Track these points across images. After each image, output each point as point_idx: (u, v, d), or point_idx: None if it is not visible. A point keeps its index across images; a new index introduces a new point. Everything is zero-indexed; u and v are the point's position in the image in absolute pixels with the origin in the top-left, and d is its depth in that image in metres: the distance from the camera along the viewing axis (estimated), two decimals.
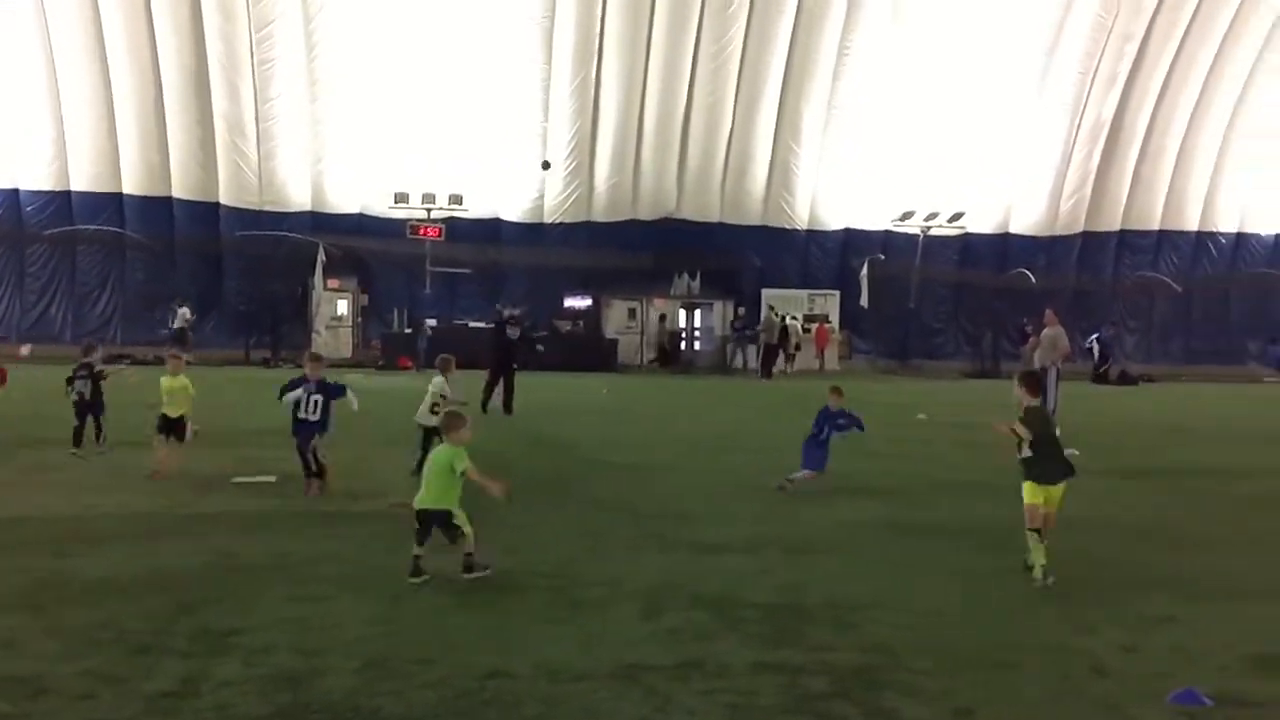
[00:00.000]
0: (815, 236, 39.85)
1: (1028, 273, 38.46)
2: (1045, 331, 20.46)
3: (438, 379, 12.31)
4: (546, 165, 35.69)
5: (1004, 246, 40.54)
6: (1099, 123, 39.38)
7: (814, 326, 38.49)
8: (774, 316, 35.76)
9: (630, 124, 37.48)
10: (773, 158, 38.52)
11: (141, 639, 6.16)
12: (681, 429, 18.66)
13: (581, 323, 36.81)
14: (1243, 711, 5.38)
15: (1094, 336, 36.15)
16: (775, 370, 34.78)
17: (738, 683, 5.65)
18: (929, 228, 39.29)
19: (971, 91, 38.11)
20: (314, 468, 10.85)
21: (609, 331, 37.08)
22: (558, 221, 37.91)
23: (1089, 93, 38.85)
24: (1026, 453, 8.04)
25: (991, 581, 8.06)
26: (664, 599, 7.26)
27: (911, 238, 39.63)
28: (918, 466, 13.61)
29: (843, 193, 39.28)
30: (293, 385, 10.81)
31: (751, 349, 35.83)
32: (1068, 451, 15.97)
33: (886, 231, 39.89)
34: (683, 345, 38.12)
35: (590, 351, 34.62)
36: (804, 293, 39.03)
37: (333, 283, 35.46)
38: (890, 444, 17.12)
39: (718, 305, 38.33)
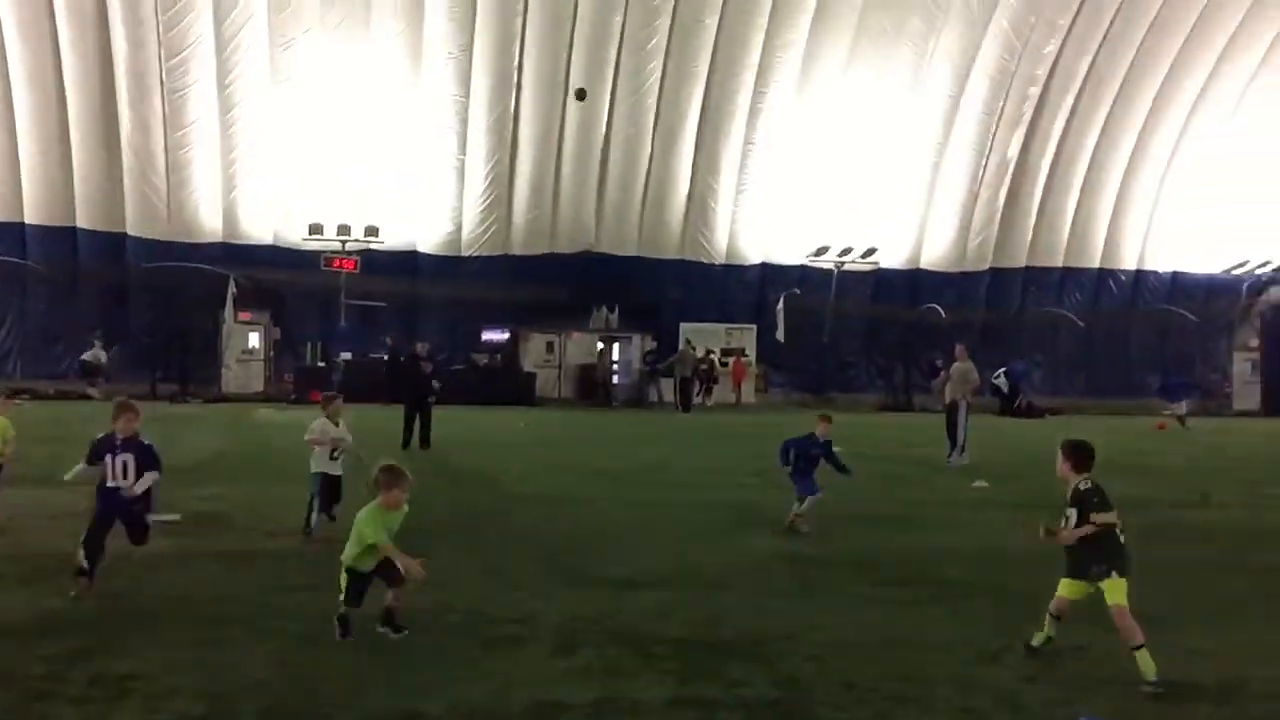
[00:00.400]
0: (733, 270, 40.26)
1: (938, 308, 39.29)
2: (955, 365, 20.90)
3: (317, 421, 10.74)
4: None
5: (915, 282, 41.36)
6: (1004, 162, 40.52)
7: (731, 360, 38.84)
8: (690, 350, 35.97)
9: (549, 157, 37.59)
10: (690, 192, 38.91)
11: (37, 685, 5.93)
12: (599, 463, 18.63)
13: (499, 356, 36.63)
14: None
15: (1001, 370, 36.98)
16: (695, 402, 35.02)
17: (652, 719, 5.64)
18: (843, 263, 39.97)
19: (883, 131, 39.00)
20: (88, 565, 7.91)
21: (527, 365, 36.96)
22: (475, 254, 37.78)
23: (994, 134, 39.98)
24: (1072, 541, 6.59)
25: (902, 613, 8.16)
26: (579, 636, 7.21)
27: (826, 273, 40.27)
28: (830, 498, 13.73)
29: (760, 227, 39.81)
30: (98, 450, 8.18)
31: (666, 382, 35.94)
32: (976, 484, 16.33)
33: (802, 266, 40.48)
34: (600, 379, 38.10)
35: (508, 385, 34.46)
36: (722, 326, 39.36)
37: (244, 315, 34.80)
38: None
39: (636, 339, 38.45)
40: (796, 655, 6.84)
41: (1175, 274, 43.54)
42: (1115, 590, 6.30)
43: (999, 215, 41.25)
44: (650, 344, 37.71)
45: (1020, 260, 42.13)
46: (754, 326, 39.57)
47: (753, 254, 40.27)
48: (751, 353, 39.53)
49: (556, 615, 7.72)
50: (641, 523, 12.14)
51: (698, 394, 36.51)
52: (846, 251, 39.60)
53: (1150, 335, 43.86)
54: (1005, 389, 36.92)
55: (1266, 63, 40.59)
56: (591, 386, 36.70)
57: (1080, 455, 6.74)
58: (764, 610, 8.08)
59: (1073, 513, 6.50)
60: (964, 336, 26.52)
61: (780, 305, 38.48)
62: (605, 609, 7.97)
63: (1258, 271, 43.28)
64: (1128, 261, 43.17)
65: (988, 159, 40.30)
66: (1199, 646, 7.38)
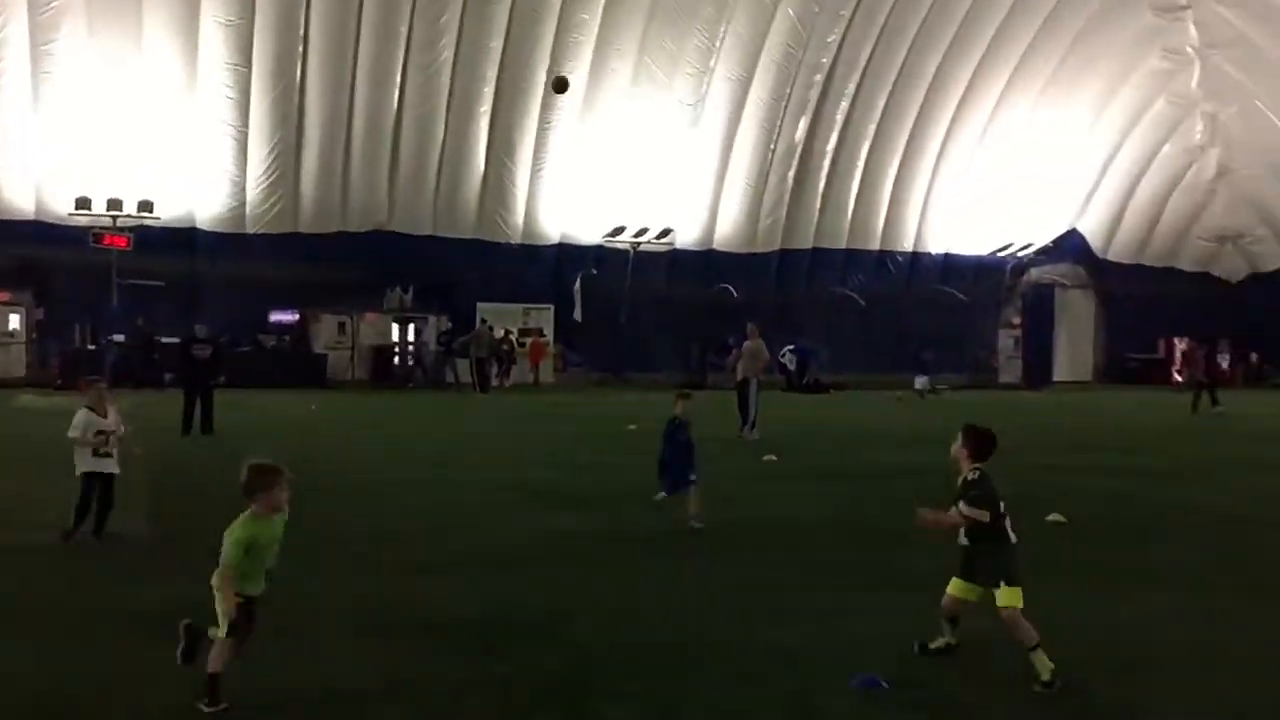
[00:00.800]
0: (529, 250, 40.11)
1: (730, 288, 40.31)
2: (746, 344, 21.53)
3: (79, 413, 9.38)
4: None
5: (709, 262, 42.27)
6: (792, 147, 41.87)
7: (529, 340, 38.79)
8: (486, 329, 35.71)
9: (338, 133, 36.46)
10: (486, 170, 38.51)
11: None
12: (393, 446, 18.28)
13: (288, 338, 35.37)
14: (917, 693, 5.81)
15: (788, 348, 38.32)
16: (493, 383, 34.83)
17: (446, 701, 5.60)
18: (639, 243, 40.48)
19: (676, 113, 39.57)
20: None
21: (318, 347, 35.85)
22: (260, 232, 36.27)
23: (782, 119, 41.21)
24: (963, 539, 6.19)
25: (691, 582, 8.36)
26: (371, 621, 7.07)
27: (623, 253, 40.68)
28: (625, 476, 13.94)
29: (557, 207, 39.79)
30: None
31: (463, 363, 35.55)
32: (766, 457, 16.85)
33: (599, 246, 40.74)
34: (395, 360, 37.40)
35: (297, 367, 33.37)
36: (519, 306, 39.23)
37: (2, 295, 32.35)
38: (600, 454, 17.49)
39: (432, 319, 37.86)
40: (588, 629, 6.93)
41: (947, 255, 46.05)
42: (1006, 596, 5.89)
43: (787, 198, 42.60)
44: (446, 324, 37.21)
45: (808, 242, 43.66)
46: (551, 306, 39.61)
47: (550, 233, 40.24)
48: (549, 333, 39.58)
49: (347, 601, 7.56)
50: (436, 506, 12.00)
51: (495, 375, 36.31)
52: (642, 232, 40.13)
53: (925, 313, 46.31)
54: (793, 366, 38.33)
55: (1031, 52, 43.09)
56: (386, 368, 35.97)
57: (980, 441, 6.24)
58: (557, 587, 8.13)
59: (961, 504, 6.06)
60: (755, 316, 27.29)
61: (577, 285, 38.67)
62: (398, 593, 7.84)
63: (1020, 253, 46.34)
64: (905, 243, 45.38)
65: (776, 143, 41.53)
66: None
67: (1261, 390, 44.09)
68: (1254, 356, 49.35)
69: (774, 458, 16.35)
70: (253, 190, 35.88)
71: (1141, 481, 14.28)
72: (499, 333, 37.04)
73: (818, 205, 43.22)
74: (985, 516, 5.92)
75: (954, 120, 43.39)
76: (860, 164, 43.19)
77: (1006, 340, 46.62)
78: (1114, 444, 20.37)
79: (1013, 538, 6.04)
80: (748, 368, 20.94)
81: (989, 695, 5.82)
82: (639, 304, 41.25)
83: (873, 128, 42.68)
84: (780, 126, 41.34)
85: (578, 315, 38.83)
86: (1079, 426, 25.06)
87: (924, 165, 43.91)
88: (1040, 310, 47.05)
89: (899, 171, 43.76)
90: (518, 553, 9.39)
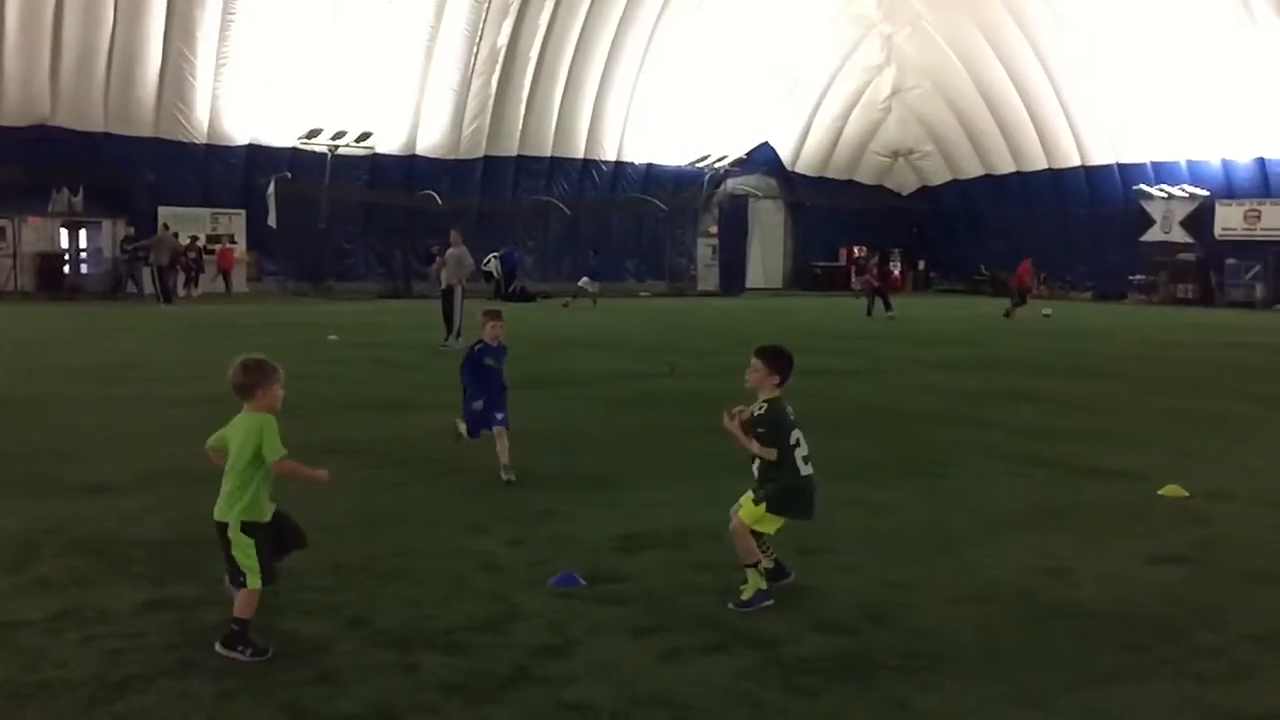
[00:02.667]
0: (216, 152, 37.49)
1: (434, 194, 39.51)
2: (450, 252, 21.26)
3: None
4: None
5: (412, 168, 41.14)
6: (495, 51, 41.11)
7: (218, 247, 36.61)
8: (169, 234, 33.35)
9: None
10: (164, 64, 35.49)
11: None
12: (63, 361, 16.84)
13: None
14: (611, 587, 6.03)
15: (493, 255, 38.18)
16: (179, 293, 32.72)
17: (121, 626, 5.27)
18: (337, 147, 38.74)
19: (375, 11, 37.86)
20: None
21: None
22: None
23: (484, 22, 40.29)
24: (755, 469, 5.84)
25: (394, 493, 8.26)
26: (39, 547, 6.57)
27: (320, 156, 38.82)
28: (324, 389, 13.52)
29: (245, 106, 37.29)
30: None
31: (147, 272, 33.12)
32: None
33: (294, 149, 38.66)
34: (67, 268, 34.32)
35: None
36: (206, 211, 36.84)
37: None
38: (302, 365, 16.85)
39: (106, 224, 34.90)
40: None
41: (649, 165, 46.99)
42: (747, 509, 5.71)
43: (491, 104, 41.94)
44: (127, 229, 34.40)
45: (513, 149, 43.26)
46: (243, 211, 37.45)
47: (238, 134, 37.76)
48: (241, 239, 37.49)
49: (13, 526, 6.98)
50: (113, 424, 11.20)
51: (182, 284, 34.13)
52: (340, 135, 38.40)
53: (629, 222, 47.27)
54: (498, 274, 38.25)
55: None
56: (55, 277, 32.95)
57: (776, 362, 5.83)
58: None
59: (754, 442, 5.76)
60: (459, 223, 26.96)
61: (271, 189, 36.61)
62: (70, 516, 7.30)
63: (717, 165, 47.99)
64: (608, 153, 45.87)
65: (479, 47, 40.65)
66: (659, 499, 8.22)
67: (928, 295, 48.25)
68: (921, 264, 53.78)
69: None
70: None
71: (823, 381, 15.29)
72: (184, 239, 34.68)
73: (522, 112, 42.81)
74: (773, 455, 5.66)
75: (654, 30, 43.87)
76: (564, 71, 43.01)
77: (704, 249, 48.41)
78: (800, 346, 21.66)
79: (802, 470, 5.73)
80: (452, 275, 20.72)
81: (684, 585, 6.11)
82: (339, 210, 39.68)
83: (576, 34, 42.51)
84: (483, 30, 40.44)
85: (272, 221, 36.84)
86: (769, 330, 26.52)
87: (625, 74, 44.29)
88: (735, 220, 49.04)
89: (601, 80, 43.96)
90: (206, 469, 8.89)
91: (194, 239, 35.55)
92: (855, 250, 49.76)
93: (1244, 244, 42.60)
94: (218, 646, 4.91)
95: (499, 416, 8.71)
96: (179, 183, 36.31)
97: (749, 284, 48.05)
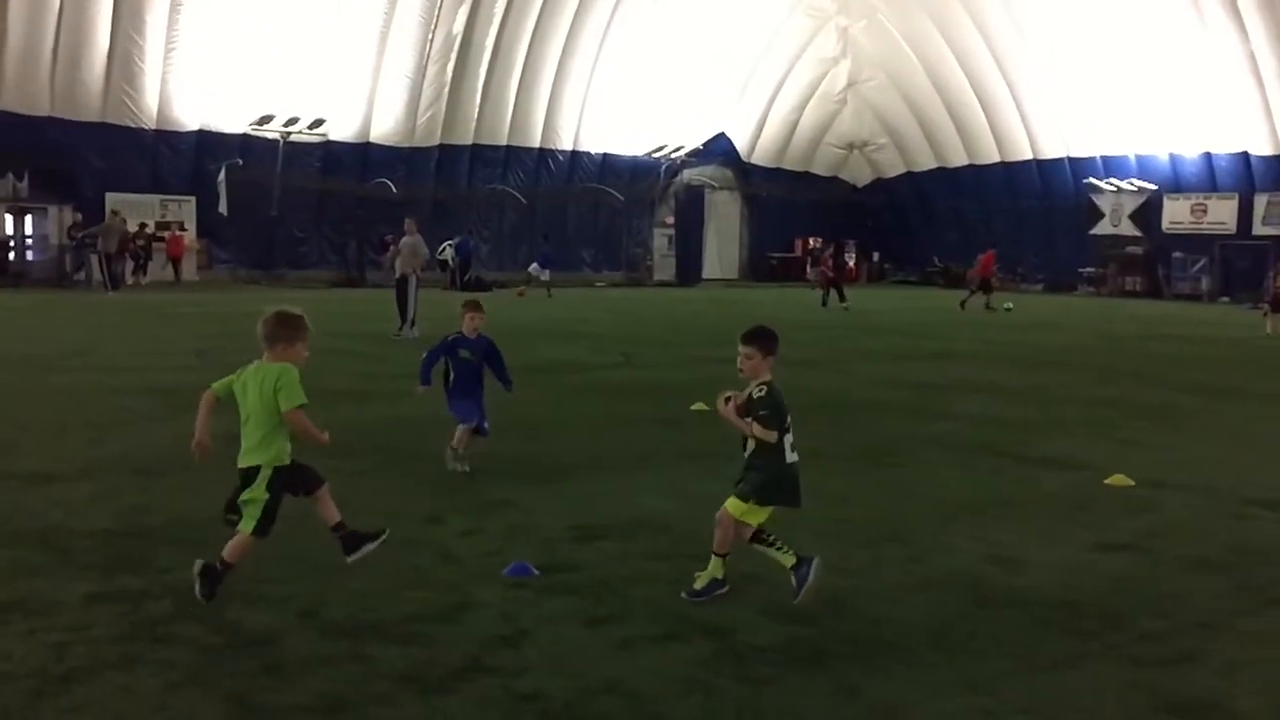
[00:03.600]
0: (165, 137, 36.92)
1: (389, 183, 39.19)
2: (405, 240, 21.12)
3: None
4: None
5: (365, 156, 40.78)
6: (450, 38, 40.80)
7: (168, 234, 36.10)
8: (117, 221, 32.82)
9: None
10: (112, 47, 34.87)
11: None
12: (7, 348, 16.53)
13: None
14: (565, 577, 6.02)
15: (447, 243, 37.95)
16: (127, 281, 32.23)
17: (67, 618, 5.18)
18: (289, 133, 38.31)
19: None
20: None
21: None
22: None
23: (440, 8, 39.99)
24: (750, 446, 5.67)
25: (349, 482, 8.17)
26: None
27: (272, 143, 38.38)
28: None
29: (195, 91, 36.75)
30: None
31: (94, 259, 32.56)
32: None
33: (245, 135, 38.18)
34: (11, 255, 33.67)
35: None
36: (155, 198, 36.30)
37: None
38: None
39: (53, 210, 34.27)
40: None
41: (606, 155, 46.93)
42: (737, 505, 5.61)
43: (446, 91, 41.64)
44: (74, 216, 33.79)
45: (468, 138, 43.00)
46: (193, 198, 36.96)
47: (188, 120, 37.20)
48: (191, 227, 36.98)
49: None
50: (59, 413, 11.01)
51: (131, 272, 33.62)
52: (293, 122, 37.96)
53: (585, 212, 47.18)
54: (453, 263, 38.03)
55: None
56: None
57: (767, 343, 5.74)
58: (200, 493, 7.68)
59: (754, 424, 5.60)
60: (414, 211, 26.75)
61: (222, 176, 36.16)
62: (14, 506, 7.19)
63: (673, 155, 48.02)
64: (565, 142, 45.75)
65: (434, 34, 40.33)
66: (614, 489, 8.22)
67: (882, 287, 48.64)
68: (875, 255, 54.19)
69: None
70: None
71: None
72: (133, 226, 34.15)
73: (478, 100, 42.55)
74: (773, 438, 5.54)
75: (610, 19, 43.77)
76: (520, 59, 42.79)
77: (660, 239, 48.45)
78: None
79: (789, 457, 5.64)
80: (406, 264, 20.58)
81: (637, 575, 6.12)
82: (291, 198, 39.26)
83: (532, 22, 42.31)
84: (438, 17, 40.13)
85: (223, 208, 36.39)
86: (727, 320, 26.59)
87: (582, 63, 44.15)
88: (691, 210, 49.14)
89: (558, 69, 43.78)
90: (156, 458, 8.80)
91: (143, 226, 35.04)
92: (810, 241, 50.03)
93: (1190, 238, 43.32)
94: (195, 569, 5.25)
95: (485, 425, 8.52)
96: (127, 169, 35.74)
97: (705, 274, 48.18)
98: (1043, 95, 45.15)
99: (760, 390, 5.61)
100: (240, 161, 37.21)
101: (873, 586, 5.97)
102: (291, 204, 39.40)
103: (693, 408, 11.73)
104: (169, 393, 12.29)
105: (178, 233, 36.32)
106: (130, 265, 33.87)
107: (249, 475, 5.17)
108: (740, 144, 50.47)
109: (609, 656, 4.90)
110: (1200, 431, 11.68)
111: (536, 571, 6.03)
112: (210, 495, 7.58)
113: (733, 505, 5.62)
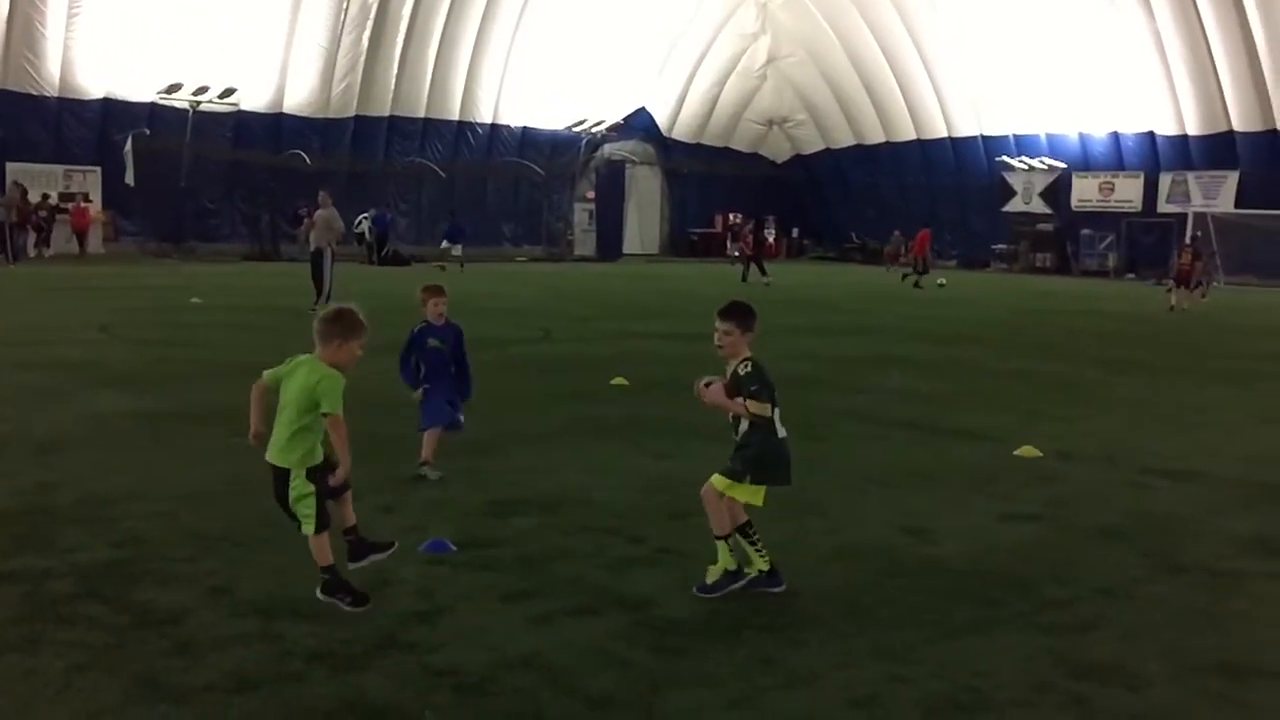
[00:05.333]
0: (69, 105, 35.69)
1: (303, 154, 38.40)
2: (319, 213, 20.71)
3: None
4: None
5: (279, 126, 39.89)
6: (365, 7, 39.99)
7: (72, 206, 34.96)
8: (16, 193, 31.69)
9: None
10: (12, 11, 33.56)
11: None
12: None
13: None
14: (482, 552, 5.99)
15: (363, 216, 37.35)
16: (29, 254, 31.20)
17: None
18: (199, 102, 37.26)
19: None
20: None
21: None
22: None
23: None
24: (743, 427, 5.49)
25: (258, 461, 8.02)
26: None
27: (181, 112, 37.29)
28: (190, 352, 13.09)
29: (100, 58, 35.56)
30: None
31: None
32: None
33: (153, 104, 37.05)
34: None
35: None
36: (59, 168, 35.10)
37: None
38: (163, 330, 16.32)
39: None
40: (140, 515, 6.48)
41: (525, 129, 46.49)
42: (724, 482, 5.40)
43: (362, 62, 40.85)
44: None
45: (385, 109, 42.30)
46: (98, 169, 35.81)
47: (93, 88, 35.99)
48: (96, 198, 35.84)
49: None
50: None
51: (33, 244, 32.53)
52: (203, 90, 36.92)
53: (505, 186, 46.77)
54: (370, 236, 37.45)
55: None
56: None
57: (746, 318, 5.54)
58: (108, 470, 7.52)
59: (749, 402, 5.41)
60: (329, 184, 26.25)
61: (128, 146, 35.05)
62: None
63: (593, 130, 47.77)
64: (484, 115, 45.23)
65: (348, 2, 39.50)
66: (531, 465, 8.19)
67: (802, 262, 49.08)
68: (795, 231, 54.63)
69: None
70: None
71: (698, 345, 15.38)
72: (35, 197, 33.02)
73: (394, 71, 41.82)
74: (769, 412, 5.39)
75: None
76: (438, 29, 42.12)
77: (581, 214, 48.25)
78: (676, 311, 21.87)
79: (781, 432, 5.47)
80: (321, 237, 20.21)
81: (556, 550, 6.11)
82: (202, 169, 38.26)
83: None
84: None
85: (130, 179, 35.29)
86: (646, 295, 26.64)
87: (500, 34, 43.61)
88: (612, 185, 48.98)
89: (476, 40, 43.20)
90: (59, 436, 8.56)
91: (45, 197, 33.86)
92: (731, 217, 50.24)
93: (1098, 215, 44.42)
94: (318, 593, 4.96)
95: (461, 420, 7.71)
96: (28, 137, 34.50)
97: (625, 250, 48.11)
98: (956, 74, 45.82)
99: (746, 367, 5.45)
100: (148, 131, 36.12)
101: (790, 559, 6.03)
102: (202, 175, 38.41)
103: (612, 382, 11.72)
104: (74, 368, 11.96)
105: (82, 204, 35.18)
106: (32, 237, 32.77)
107: (279, 475, 5.01)
108: (661, 119, 50.40)
109: (525, 631, 4.89)
110: (1106, 404, 12.01)
111: (454, 548, 5.99)
112: (117, 474, 7.43)
113: (717, 480, 5.41)
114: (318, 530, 4.99)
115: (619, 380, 11.84)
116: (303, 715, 4.01)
